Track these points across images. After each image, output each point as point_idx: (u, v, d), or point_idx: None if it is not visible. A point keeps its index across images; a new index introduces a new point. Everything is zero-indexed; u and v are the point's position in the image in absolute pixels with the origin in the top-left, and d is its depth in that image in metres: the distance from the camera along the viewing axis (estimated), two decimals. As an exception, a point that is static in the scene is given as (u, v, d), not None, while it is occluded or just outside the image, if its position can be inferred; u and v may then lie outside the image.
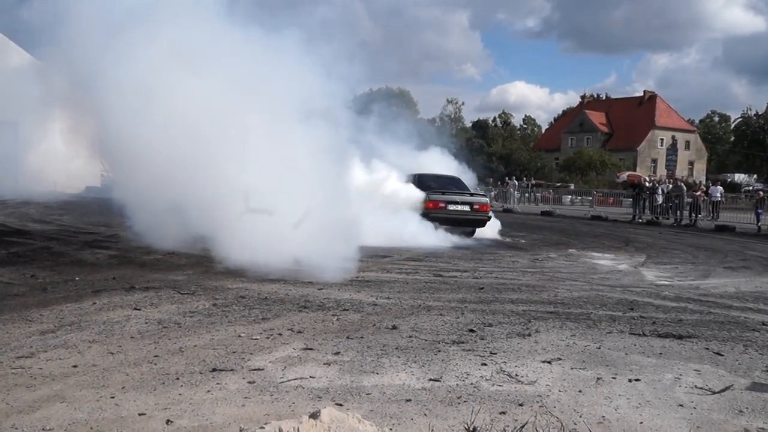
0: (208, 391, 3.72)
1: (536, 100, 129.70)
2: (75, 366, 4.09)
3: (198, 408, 3.45)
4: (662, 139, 67.20)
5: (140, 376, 3.93)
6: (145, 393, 3.65)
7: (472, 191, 15.44)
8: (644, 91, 73.12)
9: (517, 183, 37.94)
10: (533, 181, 45.30)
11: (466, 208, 14.25)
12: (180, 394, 3.65)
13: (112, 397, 3.56)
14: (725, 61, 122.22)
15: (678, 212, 23.76)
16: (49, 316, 5.37)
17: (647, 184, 26.83)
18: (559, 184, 48.33)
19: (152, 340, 4.75)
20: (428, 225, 13.35)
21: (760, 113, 63.32)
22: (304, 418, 2.50)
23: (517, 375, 4.25)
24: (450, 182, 15.56)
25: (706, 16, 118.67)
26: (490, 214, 15.04)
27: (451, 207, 14.05)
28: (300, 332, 5.16)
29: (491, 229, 15.27)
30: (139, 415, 3.33)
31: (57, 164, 26.81)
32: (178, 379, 3.91)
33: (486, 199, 15.78)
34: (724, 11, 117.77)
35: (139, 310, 5.74)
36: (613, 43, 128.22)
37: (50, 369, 4.02)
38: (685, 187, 25.58)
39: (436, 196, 14.02)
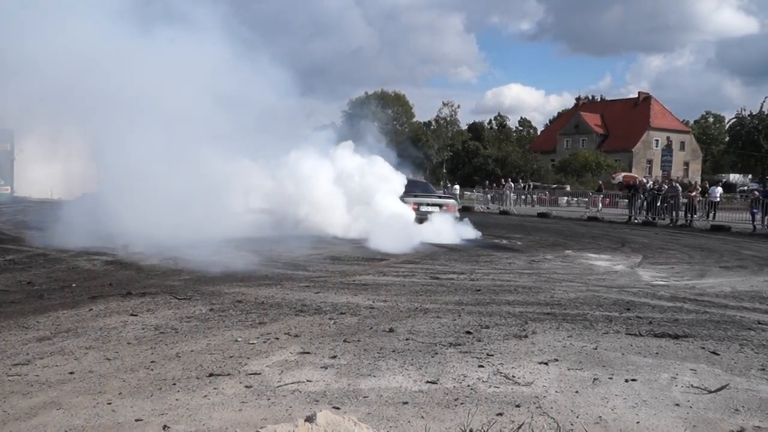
0: (205, 396, 3.72)
1: (532, 102, 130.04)
2: (72, 372, 4.09)
3: (195, 413, 3.45)
4: (657, 140, 67.35)
5: (137, 382, 3.93)
6: (141, 399, 3.65)
7: (440, 194, 16.82)
8: (639, 93, 73.37)
9: (513, 185, 37.99)
10: (530, 183, 45.36)
11: (436, 209, 15.54)
12: (177, 400, 3.64)
13: (109, 403, 3.56)
14: (718, 63, 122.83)
15: (674, 213, 23.82)
16: (45, 323, 5.37)
17: (648, 185, 26.77)
18: (555, 185, 48.39)
19: (149, 346, 4.75)
20: None
21: (754, 114, 63.42)
22: (300, 422, 2.51)
23: (513, 376, 4.26)
24: (418, 186, 17.15)
25: (698, 19, 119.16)
26: (458, 214, 16.34)
27: (423, 209, 15.27)
28: (297, 336, 5.16)
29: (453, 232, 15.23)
30: (136, 421, 3.33)
31: (53, 171, 26.90)
32: (174, 384, 3.91)
33: (453, 201, 17.51)
34: (715, 13, 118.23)
35: (135, 315, 5.73)
36: (607, 45, 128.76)
37: (47, 376, 4.01)
38: (680, 188, 25.63)
39: (410, 198, 15.14)
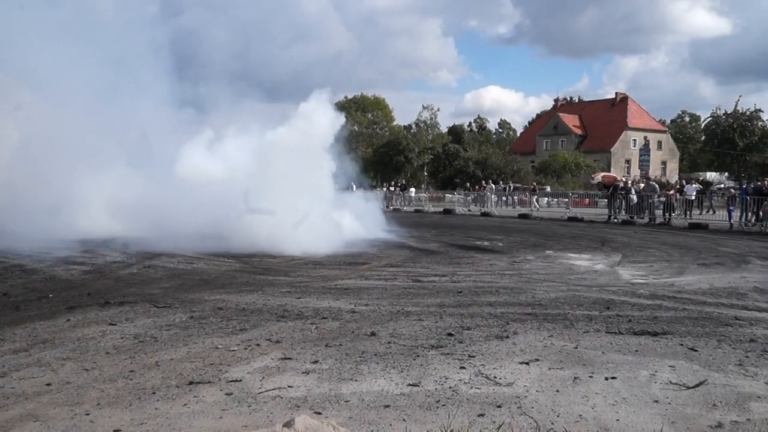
0: (185, 404, 3.69)
1: (511, 104, 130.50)
2: (48, 384, 4.03)
3: (175, 422, 3.42)
4: (635, 140, 68.09)
5: (116, 392, 3.88)
6: (120, 409, 3.60)
7: None
8: (616, 93, 74.03)
9: (494, 187, 38.16)
10: (511, 185, 45.58)
11: None
12: (156, 409, 3.61)
13: (87, 414, 3.51)
14: (693, 63, 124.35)
15: (652, 211, 24.07)
16: (21, 335, 5.28)
17: (621, 185, 27.07)
18: (534, 186, 48.68)
19: (128, 355, 4.70)
20: None
21: (729, 112, 64.40)
22: (278, 428, 2.49)
23: (495, 377, 4.27)
24: None
25: (671, 20, 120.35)
26: None
27: None
28: (278, 342, 5.13)
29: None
30: (115, 431, 3.29)
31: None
32: (154, 393, 3.87)
33: None
34: (689, 14, 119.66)
35: (114, 325, 5.66)
36: (583, 47, 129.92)
37: (23, 388, 3.95)
38: (657, 187, 25.93)
39: None
